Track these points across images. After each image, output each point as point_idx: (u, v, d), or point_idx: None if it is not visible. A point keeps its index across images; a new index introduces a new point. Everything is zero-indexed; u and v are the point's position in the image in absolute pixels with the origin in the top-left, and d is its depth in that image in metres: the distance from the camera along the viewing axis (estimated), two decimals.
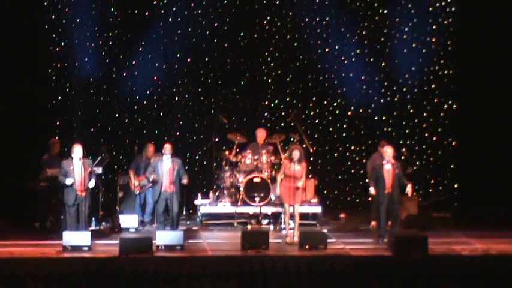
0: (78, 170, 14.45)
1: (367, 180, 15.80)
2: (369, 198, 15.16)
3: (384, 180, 14.74)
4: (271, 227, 16.63)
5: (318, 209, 17.04)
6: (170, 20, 18.89)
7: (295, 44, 19.24)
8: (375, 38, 19.20)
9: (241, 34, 19.21)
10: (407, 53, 19.08)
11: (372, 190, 15.06)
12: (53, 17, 18.52)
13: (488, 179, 17.78)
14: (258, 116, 19.19)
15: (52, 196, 15.92)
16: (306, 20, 19.16)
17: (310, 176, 17.00)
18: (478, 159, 18.09)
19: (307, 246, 13.79)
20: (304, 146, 17.42)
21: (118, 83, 18.90)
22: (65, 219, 14.82)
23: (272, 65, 19.29)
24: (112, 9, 18.82)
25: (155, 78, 18.99)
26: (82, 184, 14.44)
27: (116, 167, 18.25)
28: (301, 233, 14.29)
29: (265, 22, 19.21)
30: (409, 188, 15.01)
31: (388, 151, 14.95)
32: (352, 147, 19.38)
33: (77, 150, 14.51)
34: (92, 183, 14.68)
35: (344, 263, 13.13)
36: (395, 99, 19.29)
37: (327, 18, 19.19)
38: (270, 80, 19.31)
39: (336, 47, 19.27)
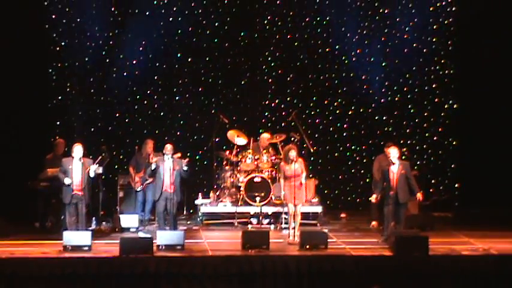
0: (77, 170, 14.45)
1: (375, 176, 15.69)
2: (370, 199, 15.05)
3: (389, 181, 14.60)
4: (272, 226, 16.62)
5: (318, 209, 17.02)
6: (171, 19, 18.88)
7: (296, 44, 19.24)
8: (375, 37, 19.20)
9: (242, 33, 19.21)
10: (408, 52, 19.08)
11: (373, 198, 14.93)
12: (54, 16, 18.51)
13: (489, 179, 17.78)
14: (259, 116, 19.19)
15: (52, 196, 15.90)
16: (307, 19, 19.18)
17: (310, 176, 16.95)
18: (479, 158, 18.09)
19: (307, 246, 13.77)
20: (304, 145, 17.43)
21: (118, 82, 18.88)
22: (65, 218, 14.82)
23: (273, 64, 19.28)
24: (112, 9, 18.81)
25: (156, 77, 18.98)
26: (80, 183, 14.44)
27: (116, 166, 18.22)
28: (302, 232, 14.27)
29: (265, 22, 19.21)
30: (419, 195, 14.91)
31: (392, 152, 14.84)
32: (353, 147, 19.38)
33: (78, 150, 14.52)
34: (92, 171, 14.58)
35: (345, 262, 13.14)
36: (396, 99, 19.29)
37: (327, 18, 19.19)
38: (270, 80, 19.31)
39: (337, 47, 19.26)
